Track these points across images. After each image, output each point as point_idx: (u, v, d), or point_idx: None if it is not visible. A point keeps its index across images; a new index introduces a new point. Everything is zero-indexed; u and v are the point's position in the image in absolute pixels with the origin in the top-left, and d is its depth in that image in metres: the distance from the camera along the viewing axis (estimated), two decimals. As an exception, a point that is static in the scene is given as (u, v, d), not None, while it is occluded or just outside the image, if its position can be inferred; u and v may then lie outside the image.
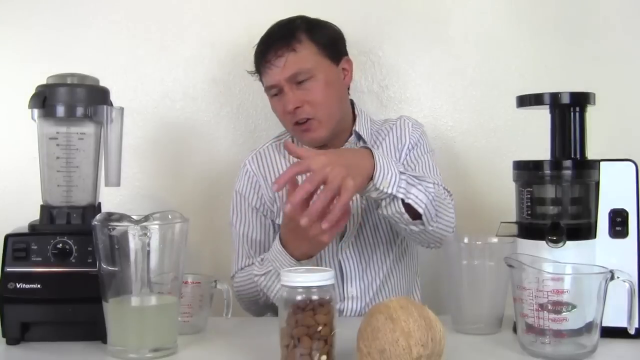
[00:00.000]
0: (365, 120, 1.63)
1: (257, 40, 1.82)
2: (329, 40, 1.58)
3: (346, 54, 1.62)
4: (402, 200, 1.28)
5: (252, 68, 1.61)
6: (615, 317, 1.10)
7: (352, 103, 1.66)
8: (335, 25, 1.62)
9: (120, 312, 1.09)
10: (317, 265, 1.36)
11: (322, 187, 1.19)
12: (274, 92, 1.55)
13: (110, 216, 1.08)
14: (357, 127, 1.60)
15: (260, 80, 1.61)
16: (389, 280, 1.58)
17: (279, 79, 1.52)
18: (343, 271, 1.54)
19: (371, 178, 1.24)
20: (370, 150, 1.27)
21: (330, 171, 1.17)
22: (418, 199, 1.29)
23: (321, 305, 0.97)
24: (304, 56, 1.52)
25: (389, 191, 1.26)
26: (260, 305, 1.54)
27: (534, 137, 1.76)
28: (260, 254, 1.58)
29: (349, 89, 1.67)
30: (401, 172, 1.28)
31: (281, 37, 1.53)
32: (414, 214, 1.31)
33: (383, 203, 1.30)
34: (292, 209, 1.17)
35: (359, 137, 1.61)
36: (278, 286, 1.35)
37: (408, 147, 1.59)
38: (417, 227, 1.34)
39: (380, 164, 1.25)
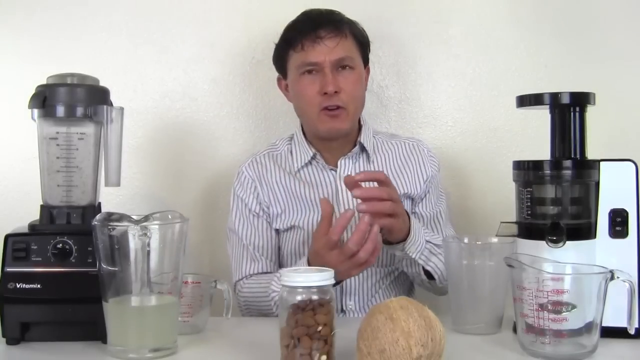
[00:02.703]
0: (369, 132, 1.63)
1: (257, 40, 1.84)
2: (365, 42, 1.61)
3: (368, 62, 1.65)
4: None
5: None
6: (615, 317, 1.10)
7: None
8: None
9: (120, 312, 1.09)
10: None
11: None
12: (309, 69, 1.53)
13: (110, 216, 1.08)
14: (362, 139, 1.59)
15: (281, 57, 1.59)
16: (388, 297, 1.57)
17: (325, 58, 1.51)
18: (342, 284, 1.53)
19: (403, 239, 1.38)
20: (408, 215, 1.38)
21: (396, 199, 1.31)
22: (437, 267, 1.44)
23: (321, 305, 0.97)
24: (352, 46, 1.55)
25: (413, 256, 1.40)
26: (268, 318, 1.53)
27: (534, 137, 1.77)
28: (267, 258, 1.58)
29: None
30: (427, 241, 1.42)
31: (334, 21, 1.54)
32: (430, 274, 1.45)
33: (404, 262, 1.45)
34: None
35: (363, 149, 1.60)
36: None
37: (430, 180, 1.61)
38: (430, 284, 1.49)
39: (414, 231, 1.38)
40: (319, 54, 1.51)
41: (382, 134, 1.68)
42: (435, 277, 1.44)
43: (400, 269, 1.57)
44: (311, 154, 1.59)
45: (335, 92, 1.50)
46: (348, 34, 1.54)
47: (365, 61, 1.62)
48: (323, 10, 1.58)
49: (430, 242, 1.43)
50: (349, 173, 1.58)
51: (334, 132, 1.54)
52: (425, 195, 1.60)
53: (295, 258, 1.55)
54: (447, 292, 1.44)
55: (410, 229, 1.37)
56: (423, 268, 1.44)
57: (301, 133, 1.62)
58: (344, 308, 1.53)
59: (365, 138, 1.60)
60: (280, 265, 1.59)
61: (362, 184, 1.33)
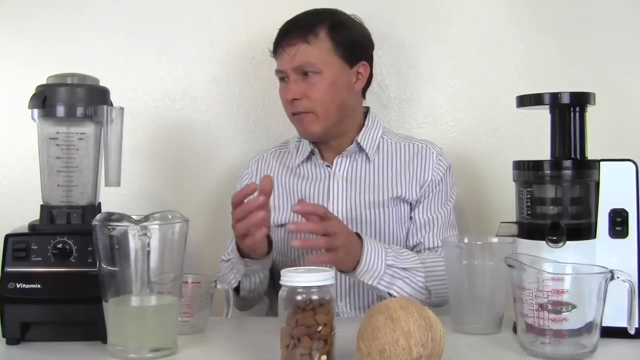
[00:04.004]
0: (375, 131, 1.62)
1: (257, 40, 1.84)
2: (349, 42, 1.57)
3: (366, 58, 1.62)
4: None
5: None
6: (615, 317, 1.10)
7: (367, 111, 1.65)
8: (365, 29, 1.64)
9: (120, 312, 1.09)
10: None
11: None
12: (281, 77, 1.58)
13: (110, 216, 1.08)
14: (360, 138, 1.59)
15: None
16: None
17: (287, 66, 1.54)
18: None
19: (353, 269, 1.36)
20: (362, 241, 1.37)
21: (335, 233, 1.30)
22: (403, 290, 1.42)
23: (321, 305, 0.97)
24: (316, 50, 1.53)
25: (370, 283, 1.38)
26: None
27: (534, 137, 1.77)
28: None
29: (364, 95, 1.67)
30: (388, 266, 1.39)
31: (299, 27, 1.55)
32: None
33: (367, 284, 1.40)
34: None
35: (360, 148, 1.60)
36: (232, 276, 1.46)
37: (429, 184, 1.58)
38: None
39: (366, 259, 1.36)
40: (282, 62, 1.56)
41: (395, 134, 1.67)
42: None
43: None
44: (309, 150, 1.61)
45: (295, 99, 1.53)
46: (314, 39, 1.52)
47: (354, 60, 1.57)
48: (298, 16, 1.58)
49: (393, 267, 1.40)
50: (345, 171, 1.59)
51: (306, 135, 1.58)
52: (425, 199, 1.58)
53: (298, 255, 1.56)
54: (439, 306, 1.45)
55: (360, 260, 1.35)
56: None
57: None
58: (337, 310, 1.53)
59: (364, 137, 1.60)
60: (283, 264, 1.59)
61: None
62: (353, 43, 1.59)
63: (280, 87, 1.60)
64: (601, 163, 1.18)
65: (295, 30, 1.54)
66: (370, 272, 1.37)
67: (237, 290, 1.48)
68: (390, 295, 1.40)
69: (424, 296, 1.43)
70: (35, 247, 1.15)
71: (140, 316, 1.10)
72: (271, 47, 1.63)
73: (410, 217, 1.58)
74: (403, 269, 1.42)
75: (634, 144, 1.77)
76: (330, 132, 1.57)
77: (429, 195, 1.58)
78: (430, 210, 1.57)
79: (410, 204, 1.58)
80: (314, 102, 1.53)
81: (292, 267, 1.46)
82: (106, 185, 1.21)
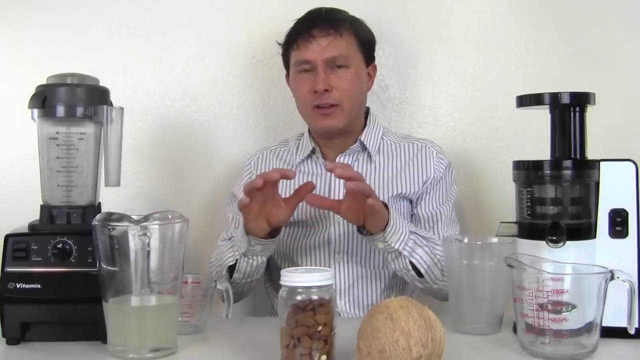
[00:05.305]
0: (376, 131, 1.63)
1: (257, 40, 1.84)
2: (367, 40, 1.61)
3: (374, 59, 1.65)
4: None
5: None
6: (615, 317, 1.10)
7: (367, 111, 1.66)
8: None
9: (120, 312, 1.09)
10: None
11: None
12: (304, 67, 1.55)
13: (110, 216, 1.08)
14: (363, 137, 1.60)
15: (285, 55, 1.62)
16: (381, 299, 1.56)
17: (317, 57, 1.52)
18: (333, 285, 1.52)
19: (383, 229, 1.33)
20: (387, 206, 1.34)
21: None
22: (422, 259, 1.40)
23: (321, 305, 0.97)
24: (347, 44, 1.55)
25: (396, 247, 1.36)
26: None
27: (534, 137, 1.77)
28: None
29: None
30: (411, 232, 1.38)
31: (331, 19, 1.55)
32: (420, 272, 1.41)
33: (389, 257, 1.40)
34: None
35: (364, 147, 1.60)
36: (230, 254, 1.45)
37: (431, 182, 1.58)
38: (423, 284, 1.44)
39: (393, 219, 1.33)
40: (311, 52, 1.53)
41: (395, 135, 1.67)
42: (422, 270, 1.40)
43: (392, 271, 1.56)
44: (310, 148, 1.61)
45: (326, 90, 1.51)
46: (345, 33, 1.55)
47: (369, 59, 1.62)
48: (324, 9, 1.59)
49: (416, 233, 1.41)
50: None
51: (326, 130, 1.56)
52: (426, 196, 1.58)
53: (299, 255, 1.56)
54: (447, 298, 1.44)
55: (389, 219, 1.34)
56: (411, 263, 1.40)
57: (307, 128, 1.64)
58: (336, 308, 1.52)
59: (367, 137, 1.60)
60: (284, 263, 1.59)
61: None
62: (369, 42, 1.63)
63: (299, 78, 1.57)
64: (601, 163, 1.18)
65: (327, 22, 1.54)
66: (397, 234, 1.35)
67: (230, 273, 1.46)
68: (411, 264, 1.40)
69: (440, 272, 1.42)
70: (35, 247, 1.15)
71: (140, 316, 1.10)
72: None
73: (412, 215, 1.59)
74: (424, 237, 1.43)
75: (634, 144, 1.77)
76: (346, 128, 1.57)
77: (430, 192, 1.58)
78: (432, 205, 1.58)
79: (411, 200, 1.58)
80: (342, 95, 1.53)
81: (292, 266, 1.48)
82: (106, 185, 1.21)
